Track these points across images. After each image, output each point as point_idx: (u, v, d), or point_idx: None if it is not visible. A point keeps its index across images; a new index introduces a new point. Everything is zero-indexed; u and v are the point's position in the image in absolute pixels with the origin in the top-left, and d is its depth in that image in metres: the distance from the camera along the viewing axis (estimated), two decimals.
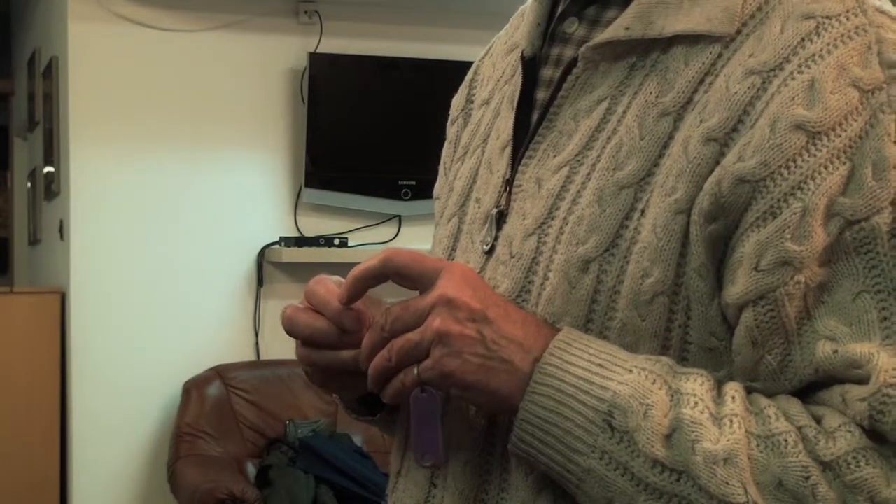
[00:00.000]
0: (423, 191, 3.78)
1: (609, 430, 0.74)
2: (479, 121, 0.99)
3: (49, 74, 4.06)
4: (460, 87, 1.07)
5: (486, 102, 0.99)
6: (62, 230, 3.79)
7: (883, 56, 0.75)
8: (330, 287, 0.84)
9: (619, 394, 0.74)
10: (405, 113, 3.84)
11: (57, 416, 3.70)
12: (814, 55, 0.75)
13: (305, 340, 0.85)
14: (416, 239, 3.87)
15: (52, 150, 4.00)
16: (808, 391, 0.76)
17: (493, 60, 1.02)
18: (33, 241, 4.92)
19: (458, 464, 0.85)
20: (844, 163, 0.73)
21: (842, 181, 0.73)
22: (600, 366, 0.76)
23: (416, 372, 0.77)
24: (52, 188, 4.06)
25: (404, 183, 3.83)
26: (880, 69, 0.75)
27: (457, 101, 1.06)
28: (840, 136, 0.73)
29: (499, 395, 0.77)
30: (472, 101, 1.03)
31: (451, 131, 1.05)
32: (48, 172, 4.15)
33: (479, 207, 0.92)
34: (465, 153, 0.98)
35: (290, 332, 0.85)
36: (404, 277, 0.79)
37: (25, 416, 3.68)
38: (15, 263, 5.89)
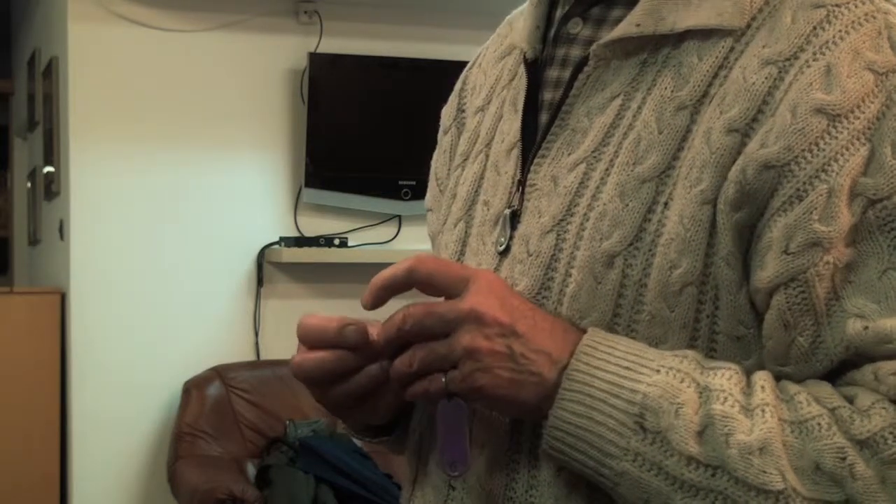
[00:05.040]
0: (424, 191, 3.76)
1: (641, 431, 0.74)
2: (478, 127, 0.99)
3: (49, 74, 4.06)
4: (449, 98, 1.07)
5: (483, 109, 0.99)
6: (62, 230, 3.79)
7: (893, 40, 0.77)
8: (321, 317, 0.83)
9: (649, 395, 0.75)
10: (405, 113, 3.84)
11: (57, 416, 3.70)
12: (827, 42, 0.77)
13: (323, 380, 0.84)
14: (417, 239, 3.87)
15: (52, 150, 4.00)
16: (839, 374, 0.77)
17: (484, 69, 1.03)
18: (33, 241, 4.92)
19: (482, 463, 0.85)
20: (864, 144, 0.75)
21: (863, 162, 0.75)
22: (628, 368, 0.76)
23: (443, 381, 0.77)
24: (52, 188, 4.06)
25: (404, 183, 3.83)
26: (892, 52, 0.76)
27: (447, 111, 1.07)
28: (859, 117, 0.75)
29: (528, 406, 0.78)
30: (464, 110, 1.03)
31: (444, 141, 1.06)
32: (48, 172, 4.15)
33: (488, 210, 0.92)
34: (466, 159, 0.99)
35: (303, 379, 0.84)
36: (430, 286, 0.79)
37: (25, 416, 3.68)
38: (15, 263, 5.89)
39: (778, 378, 0.77)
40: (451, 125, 1.05)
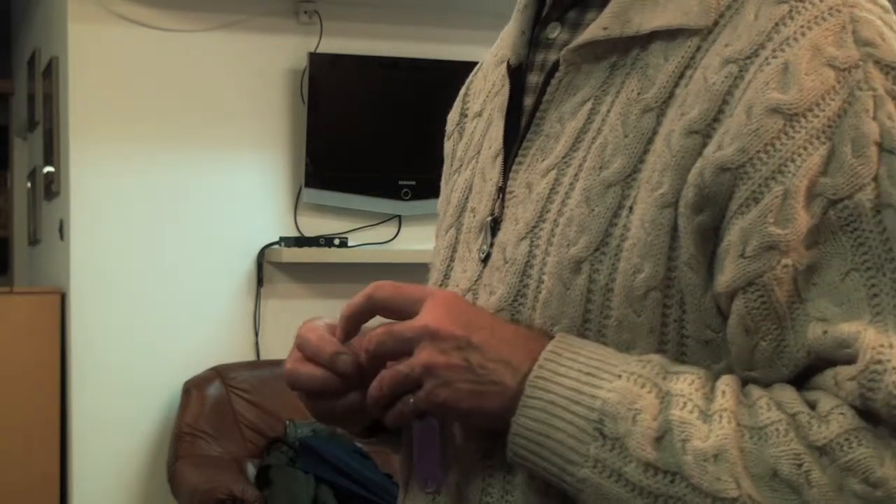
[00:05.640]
0: (423, 191, 3.78)
1: (601, 438, 0.74)
2: (473, 133, 0.99)
3: (49, 74, 4.06)
4: (454, 103, 1.08)
5: (479, 114, 1.00)
6: (62, 230, 3.79)
7: (857, 34, 0.75)
8: (321, 333, 0.84)
9: (609, 401, 0.74)
10: (405, 113, 3.84)
11: (57, 416, 3.70)
12: (787, 39, 0.75)
13: (311, 392, 0.86)
14: (416, 239, 3.86)
15: (52, 150, 4.00)
16: (806, 378, 0.75)
17: (485, 74, 1.03)
18: (33, 241, 4.92)
19: (459, 469, 0.85)
20: (824, 143, 0.73)
21: (822, 161, 0.73)
22: (589, 374, 0.76)
23: (411, 401, 0.79)
24: (52, 188, 4.06)
25: (404, 183, 3.83)
26: (855, 47, 0.74)
27: (451, 117, 1.07)
28: (818, 116, 0.73)
29: (493, 415, 0.78)
30: (466, 115, 1.03)
31: (447, 147, 1.06)
32: (48, 172, 4.15)
33: (474, 217, 0.92)
34: (461, 166, 0.99)
35: (293, 387, 0.86)
36: (388, 310, 0.81)
37: (25, 416, 3.68)
38: (15, 263, 5.89)
39: (746, 382, 0.76)
40: (453, 131, 1.05)
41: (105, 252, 3.62)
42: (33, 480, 3.67)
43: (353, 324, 0.83)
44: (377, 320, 0.84)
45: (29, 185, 5.12)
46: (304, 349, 0.84)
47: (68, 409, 3.67)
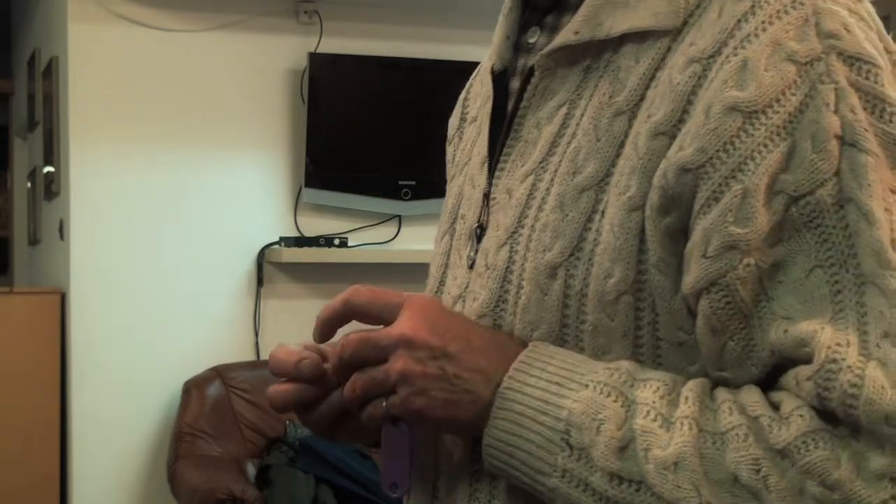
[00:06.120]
0: (423, 191, 3.78)
1: (567, 448, 0.74)
2: (468, 138, 0.99)
3: (49, 74, 4.06)
4: (455, 108, 1.07)
5: (475, 120, 1.00)
6: (62, 230, 3.79)
7: (820, 27, 0.73)
8: (288, 350, 0.85)
9: (574, 411, 0.75)
10: (405, 113, 3.84)
11: (57, 416, 3.70)
12: (748, 35, 0.74)
13: (294, 409, 0.87)
14: (416, 239, 3.87)
15: (52, 150, 4.00)
16: (777, 377, 0.75)
17: (482, 78, 1.02)
18: (33, 241, 4.92)
19: (450, 476, 0.86)
20: (784, 139, 0.72)
21: (782, 158, 0.72)
22: (558, 384, 0.76)
23: (384, 405, 0.79)
24: (52, 188, 4.06)
25: (404, 183, 3.83)
26: (818, 40, 0.73)
27: (452, 121, 1.06)
28: (778, 112, 0.72)
29: (467, 424, 0.79)
30: (466, 119, 1.03)
31: (449, 151, 1.06)
32: (48, 172, 4.16)
33: (464, 223, 0.92)
34: (457, 171, 0.99)
35: (279, 411, 0.87)
36: (365, 315, 0.81)
37: (25, 416, 3.68)
38: (15, 263, 5.90)
39: (717, 384, 0.76)
40: (454, 135, 1.05)
41: (105, 252, 3.62)
42: (33, 480, 3.67)
43: (328, 327, 0.83)
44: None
45: (29, 185, 5.13)
46: (274, 370, 0.85)
47: (68, 409, 3.67)
